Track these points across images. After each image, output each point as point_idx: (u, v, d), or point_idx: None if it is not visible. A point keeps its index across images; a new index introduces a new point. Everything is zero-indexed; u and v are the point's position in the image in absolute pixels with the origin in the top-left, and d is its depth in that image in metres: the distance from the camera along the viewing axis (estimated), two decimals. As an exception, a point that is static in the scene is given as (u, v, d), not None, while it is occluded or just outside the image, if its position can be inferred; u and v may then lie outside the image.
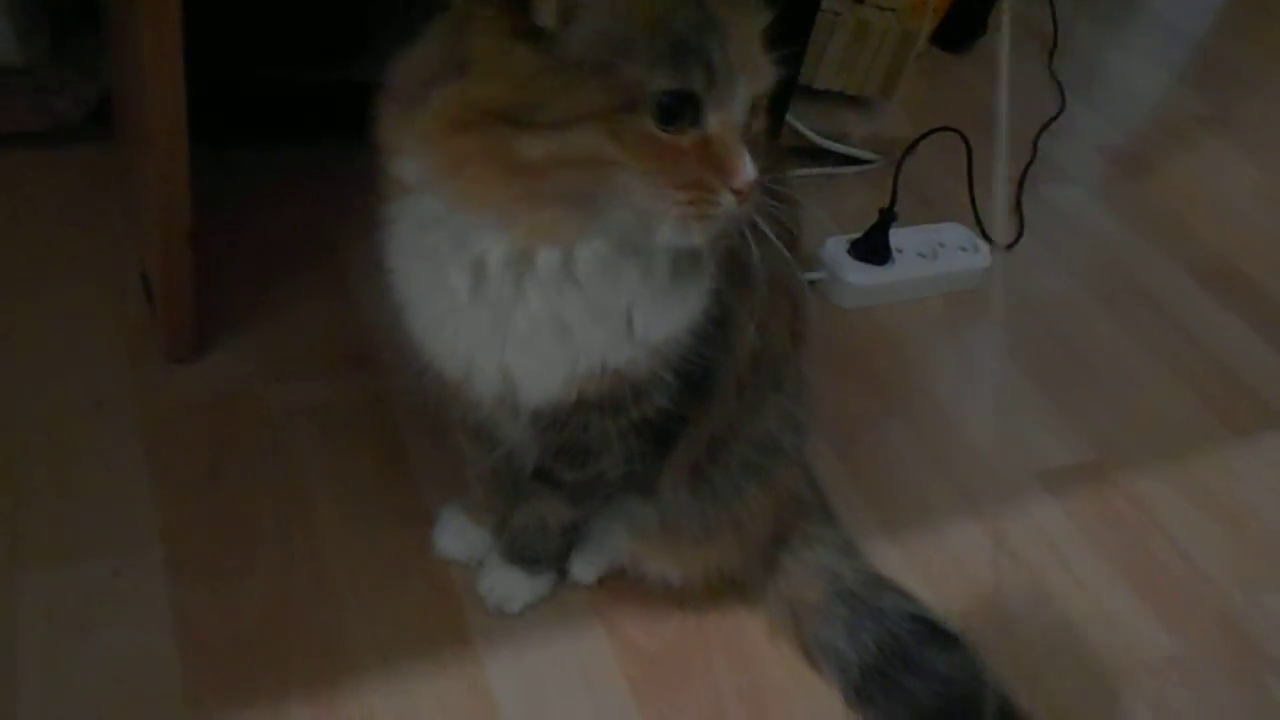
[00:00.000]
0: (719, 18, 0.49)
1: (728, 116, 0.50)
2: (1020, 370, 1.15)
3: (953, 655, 0.78)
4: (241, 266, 1.01)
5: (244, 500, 0.82)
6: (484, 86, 0.49)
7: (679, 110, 0.49)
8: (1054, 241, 1.35)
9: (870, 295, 1.17)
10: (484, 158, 0.50)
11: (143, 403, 0.87)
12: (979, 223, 1.31)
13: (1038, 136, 1.50)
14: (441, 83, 0.50)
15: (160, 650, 0.72)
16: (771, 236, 0.54)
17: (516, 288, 0.56)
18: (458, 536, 0.82)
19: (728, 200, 0.50)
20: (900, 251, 1.19)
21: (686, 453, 0.70)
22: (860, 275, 1.16)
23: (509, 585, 0.79)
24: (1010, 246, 1.31)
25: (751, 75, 0.50)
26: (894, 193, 1.18)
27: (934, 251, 1.21)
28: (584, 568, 0.82)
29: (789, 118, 1.29)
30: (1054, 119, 1.56)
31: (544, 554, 0.78)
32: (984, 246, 1.25)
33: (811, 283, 1.15)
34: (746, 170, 0.50)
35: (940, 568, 0.91)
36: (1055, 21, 1.77)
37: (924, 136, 1.20)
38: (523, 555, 0.78)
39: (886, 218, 1.17)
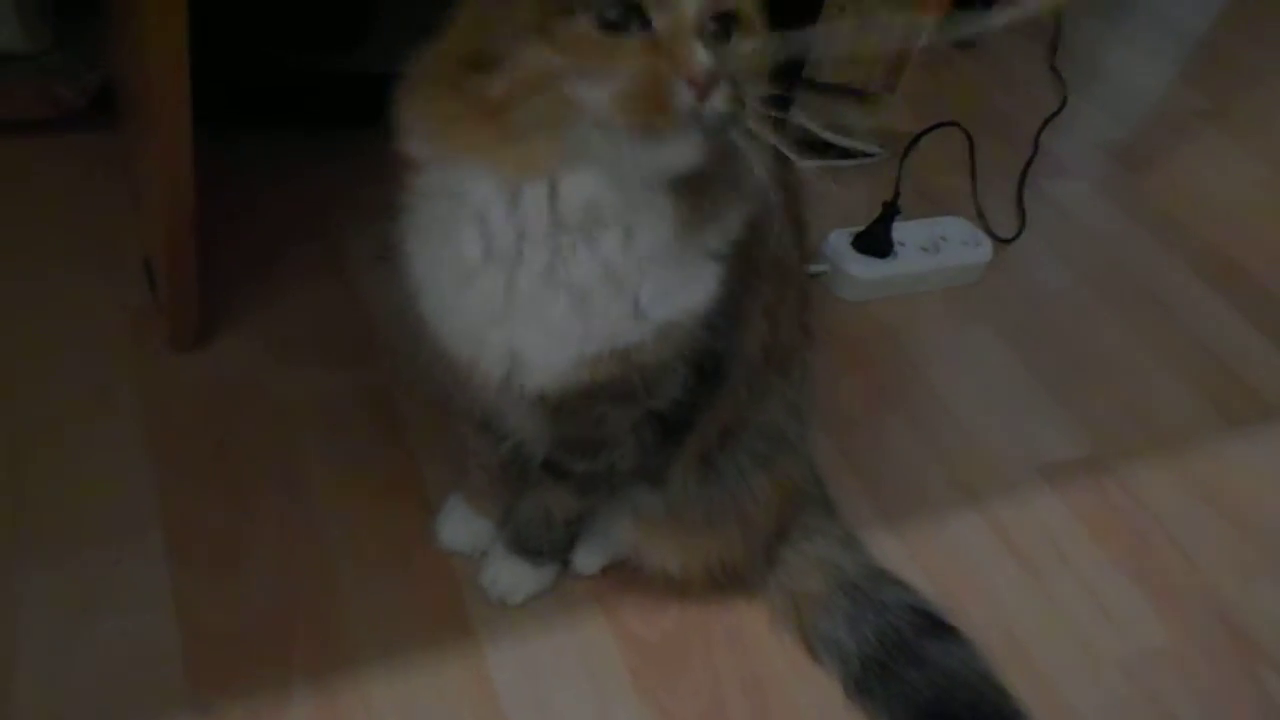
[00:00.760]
0: None
1: (676, 15, 0.48)
2: (1021, 363, 1.15)
3: (952, 647, 0.79)
4: (243, 252, 1.00)
5: (246, 489, 0.82)
6: (452, 40, 0.52)
7: (619, 14, 0.48)
8: (1055, 236, 1.35)
9: (873, 288, 1.17)
10: (466, 110, 0.51)
11: (145, 390, 0.87)
12: (981, 217, 1.31)
13: (1039, 132, 1.50)
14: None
15: (161, 639, 0.72)
16: (771, 140, 0.52)
17: (517, 246, 0.55)
18: (461, 527, 0.82)
19: (683, 95, 0.47)
20: (903, 245, 1.19)
21: (697, 442, 0.70)
22: (863, 268, 1.16)
23: (512, 577, 0.79)
24: (1012, 241, 1.31)
25: None
26: (897, 186, 1.18)
27: (936, 246, 1.21)
28: (587, 558, 0.82)
29: (792, 111, 1.28)
30: (1055, 114, 1.56)
31: (548, 546, 0.78)
32: (986, 241, 1.25)
33: (815, 275, 1.15)
34: (696, 59, 0.47)
35: (940, 560, 0.92)
36: (1057, 15, 1.77)
37: (927, 131, 1.20)
38: (527, 547, 0.78)
39: (889, 211, 1.17)
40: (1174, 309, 1.29)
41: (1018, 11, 1.09)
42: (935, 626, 0.79)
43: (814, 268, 1.16)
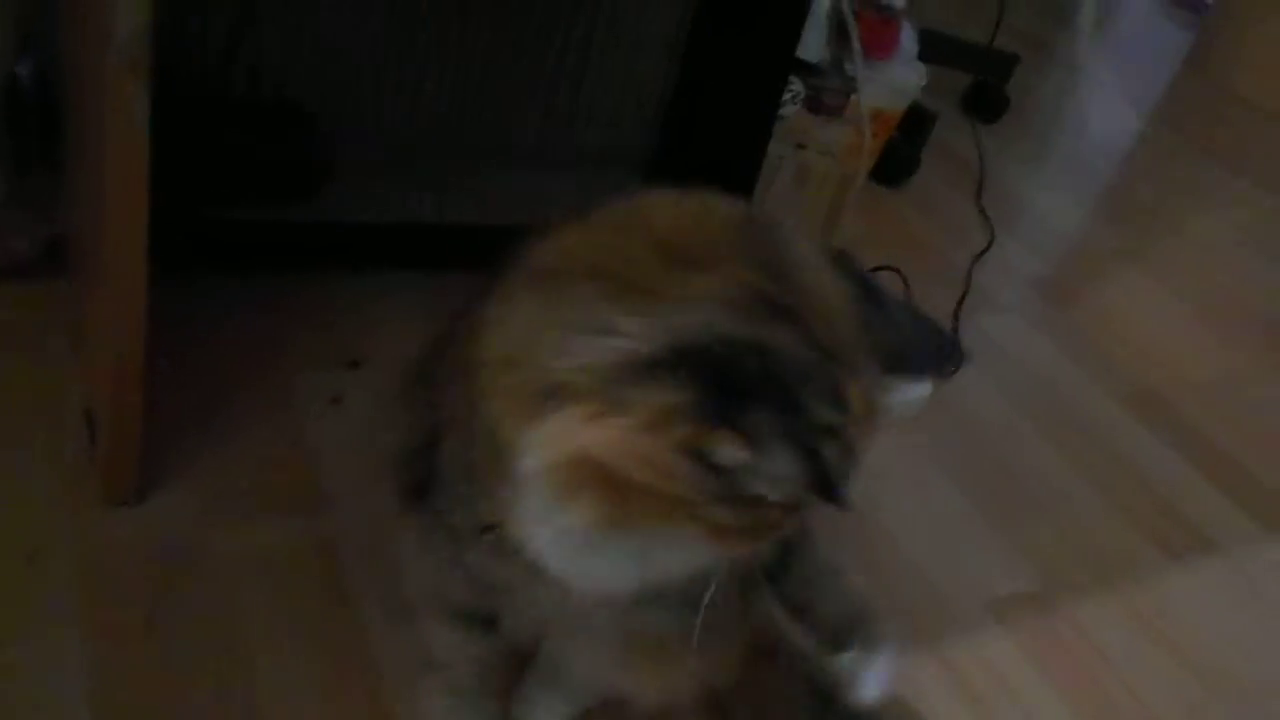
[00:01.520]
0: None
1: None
2: (965, 498, 1.18)
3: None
4: (187, 397, 0.99)
5: (181, 656, 0.79)
6: (636, 470, 0.49)
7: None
8: (992, 370, 1.40)
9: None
10: (601, 492, 0.51)
11: (79, 551, 0.84)
12: (919, 353, 1.35)
13: (970, 269, 1.58)
14: (588, 419, 0.49)
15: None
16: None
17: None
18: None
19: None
20: (845, 382, 1.22)
21: None
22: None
23: None
24: (950, 376, 1.35)
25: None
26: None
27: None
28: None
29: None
30: (984, 251, 1.64)
31: None
32: (925, 377, 1.29)
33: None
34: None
35: (891, 703, 0.91)
36: (981, 159, 1.89)
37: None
38: None
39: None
40: (1108, 441, 1.33)
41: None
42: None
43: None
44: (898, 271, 1.31)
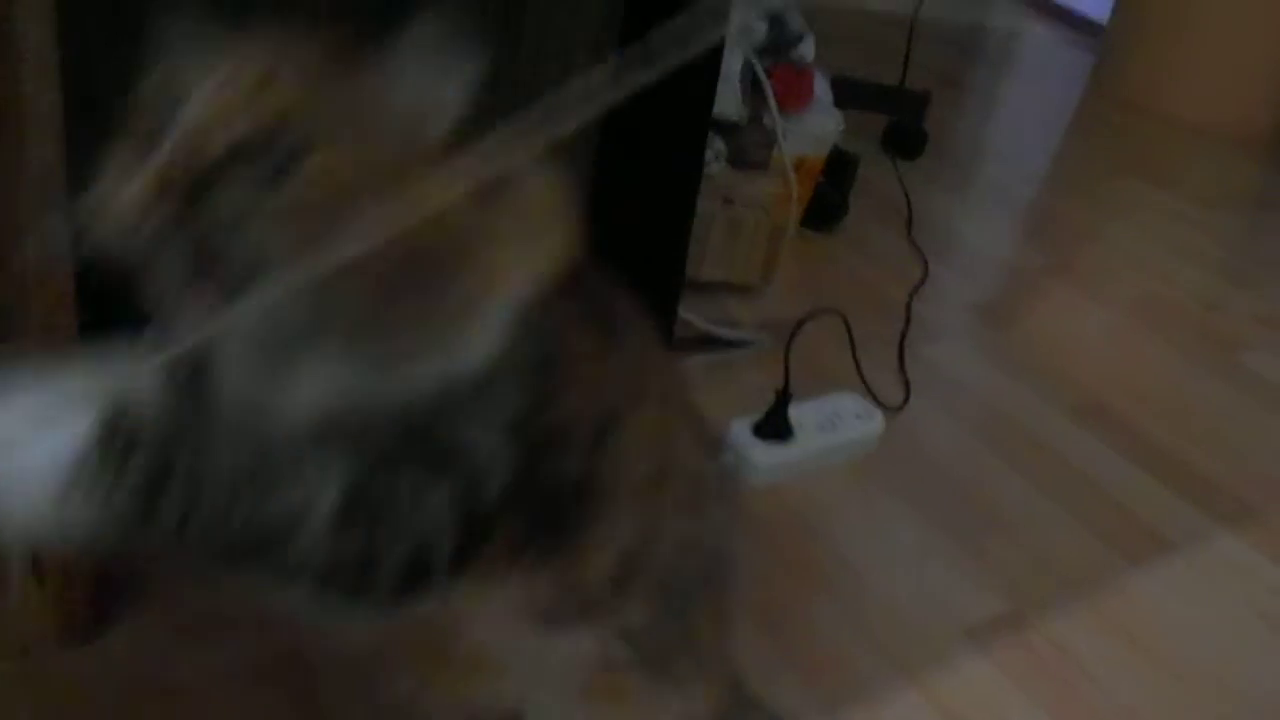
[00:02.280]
0: None
1: None
2: (930, 525, 1.19)
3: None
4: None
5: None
6: None
7: None
8: (940, 398, 1.43)
9: (777, 472, 1.21)
10: None
11: (32, 697, 0.81)
12: (869, 389, 1.38)
13: (909, 302, 1.62)
14: None
15: None
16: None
17: None
18: None
19: None
20: (801, 427, 1.24)
21: None
22: (766, 455, 1.20)
23: None
24: (900, 408, 1.38)
25: None
26: (786, 372, 1.25)
27: (831, 423, 1.27)
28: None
29: (680, 310, 1.36)
30: (920, 284, 1.69)
31: None
32: (876, 412, 1.32)
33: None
34: None
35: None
36: (906, 195, 1.95)
37: (805, 320, 1.29)
38: None
39: (784, 397, 1.23)
40: (1061, 454, 1.36)
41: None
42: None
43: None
44: (839, 313, 1.34)
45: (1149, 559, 1.20)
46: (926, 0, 2.28)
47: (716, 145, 1.43)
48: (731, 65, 1.39)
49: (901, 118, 2.19)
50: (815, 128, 1.57)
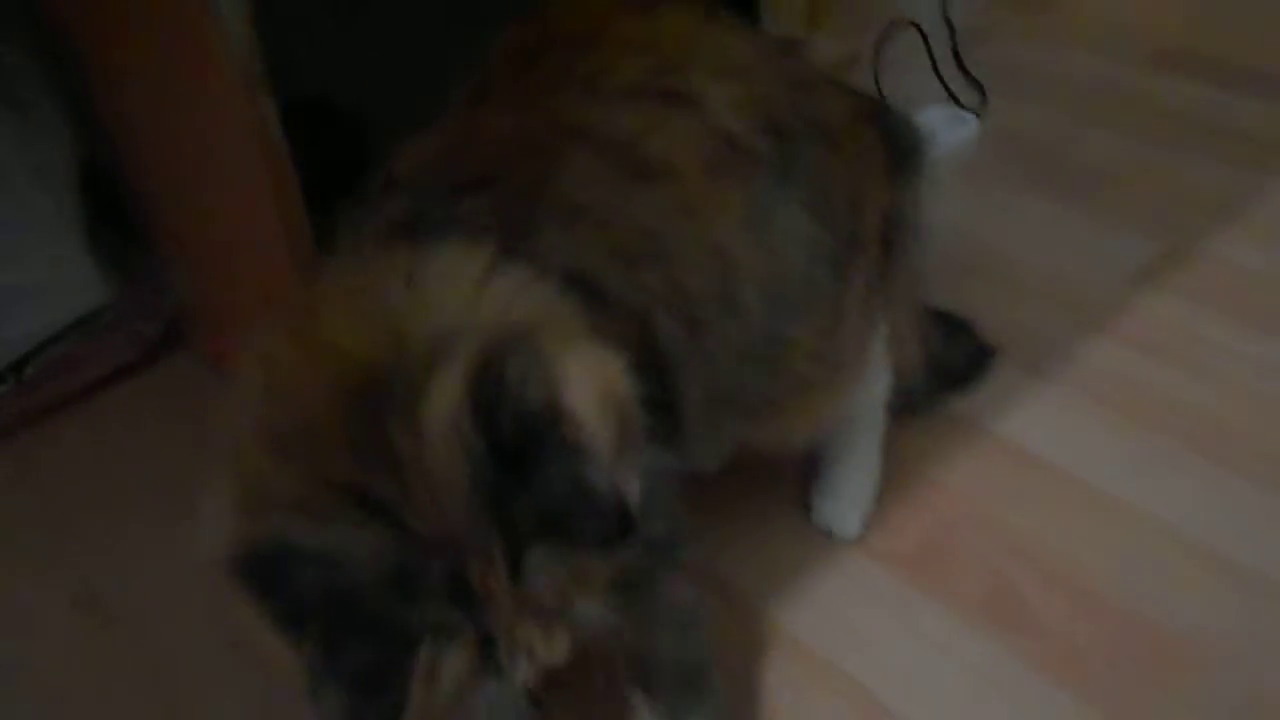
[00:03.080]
0: None
1: None
2: (1055, 200, 1.21)
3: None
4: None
5: None
6: None
7: None
8: (1015, 89, 1.42)
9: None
10: None
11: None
12: (952, 97, 1.37)
13: (943, 11, 1.57)
14: None
15: None
16: None
17: None
18: None
19: None
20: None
21: None
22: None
23: None
24: (979, 111, 1.37)
25: None
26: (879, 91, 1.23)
27: (933, 135, 1.26)
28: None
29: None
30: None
31: None
32: (969, 116, 1.31)
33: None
34: None
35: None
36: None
37: (884, 36, 1.26)
38: None
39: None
40: (1153, 102, 1.36)
41: None
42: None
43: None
44: (915, 25, 1.29)
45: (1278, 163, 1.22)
46: None
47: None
48: None
49: None
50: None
